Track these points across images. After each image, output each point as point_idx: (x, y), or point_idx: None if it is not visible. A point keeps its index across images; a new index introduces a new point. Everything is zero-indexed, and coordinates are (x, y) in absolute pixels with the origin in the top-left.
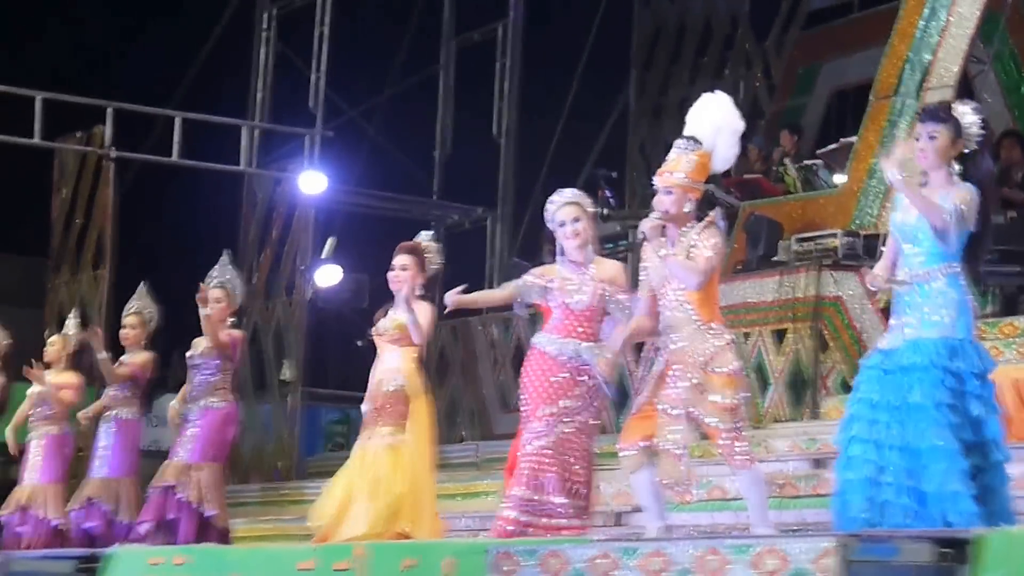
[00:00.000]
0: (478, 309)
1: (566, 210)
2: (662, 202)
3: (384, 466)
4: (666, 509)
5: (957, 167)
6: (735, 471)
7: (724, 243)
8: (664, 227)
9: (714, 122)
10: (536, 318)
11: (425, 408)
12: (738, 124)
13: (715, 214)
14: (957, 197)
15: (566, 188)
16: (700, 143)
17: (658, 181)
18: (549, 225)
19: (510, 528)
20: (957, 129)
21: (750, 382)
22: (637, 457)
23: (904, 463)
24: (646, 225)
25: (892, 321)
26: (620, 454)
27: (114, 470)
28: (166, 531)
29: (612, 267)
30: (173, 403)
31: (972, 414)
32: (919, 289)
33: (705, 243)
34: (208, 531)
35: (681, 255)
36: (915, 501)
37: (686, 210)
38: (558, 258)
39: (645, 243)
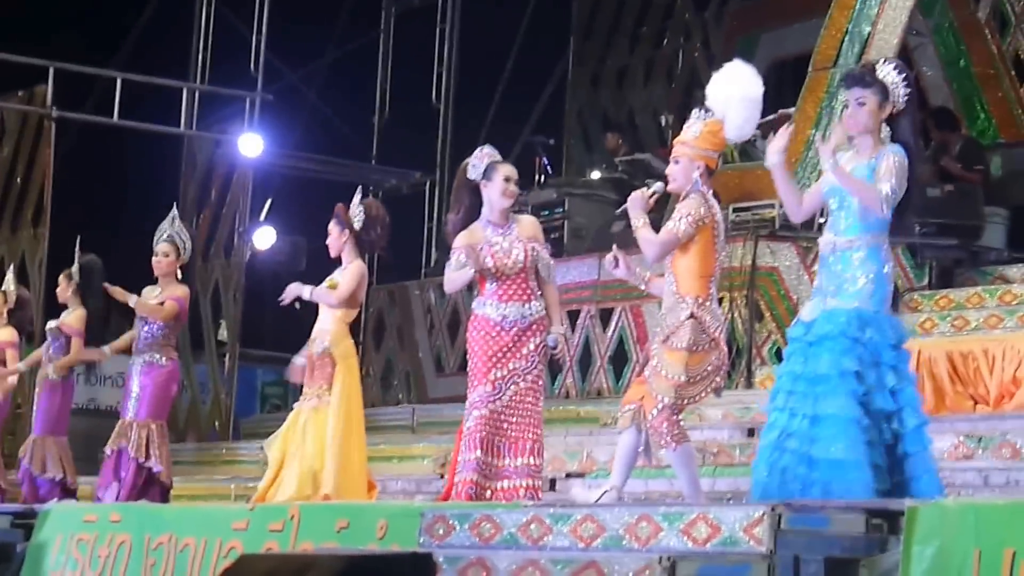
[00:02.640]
0: (416, 273)
1: (509, 168)
2: (671, 172)
3: (308, 429)
4: (629, 476)
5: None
6: (663, 448)
7: (704, 211)
8: (651, 199)
9: (728, 92)
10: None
11: (351, 370)
12: (754, 93)
13: (698, 181)
14: (886, 171)
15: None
16: (711, 112)
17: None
18: (476, 177)
19: (470, 490)
20: (884, 92)
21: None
22: (629, 416)
23: (809, 431)
24: (632, 196)
25: (816, 285)
26: (620, 410)
27: (39, 429)
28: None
29: (531, 223)
30: (105, 349)
31: (887, 384)
32: (841, 257)
33: (676, 214)
34: (152, 486)
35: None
36: (808, 468)
37: (694, 177)
38: (481, 221)
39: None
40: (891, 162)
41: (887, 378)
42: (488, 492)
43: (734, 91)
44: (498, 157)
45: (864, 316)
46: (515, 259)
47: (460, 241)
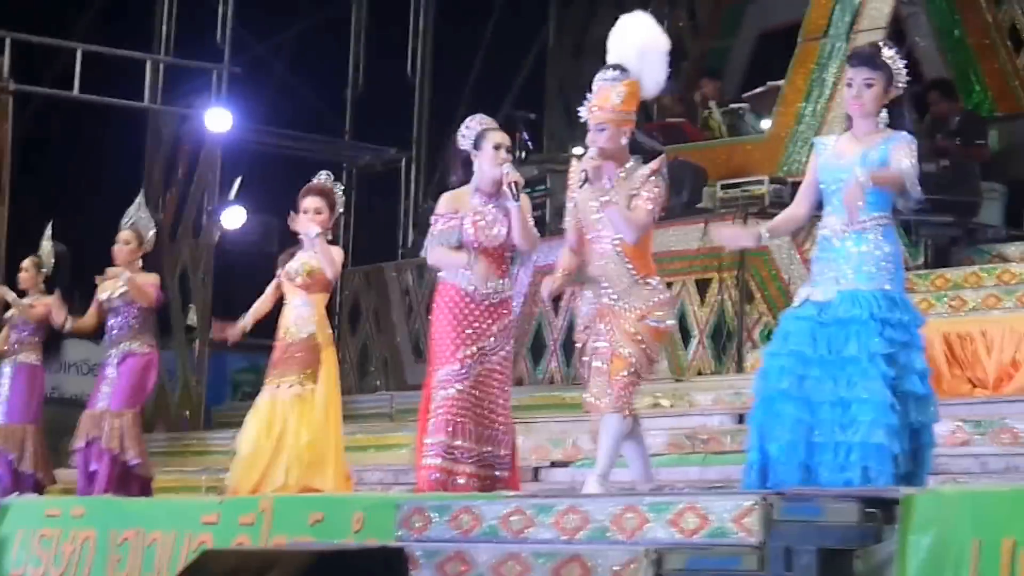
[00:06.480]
0: (392, 254)
1: (500, 136)
2: (595, 140)
3: (292, 418)
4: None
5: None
6: (602, 412)
7: (666, 193)
8: (602, 166)
9: (637, 45)
10: None
11: (334, 356)
12: (663, 43)
13: (661, 163)
14: (906, 153)
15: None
16: (627, 71)
17: (588, 117)
18: (466, 146)
19: (435, 476)
20: (890, 76)
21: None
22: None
23: (834, 417)
24: (589, 166)
25: (821, 269)
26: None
27: (15, 416)
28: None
29: (522, 202)
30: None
31: (917, 367)
32: (854, 239)
33: (648, 193)
34: (130, 480)
35: (621, 199)
36: (843, 454)
37: (622, 144)
38: (469, 188)
39: (586, 184)
40: (906, 144)
41: (916, 361)
42: (459, 478)
43: (646, 45)
44: (491, 124)
45: (892, 297)
46: (497, 232)
47: (444, 206)
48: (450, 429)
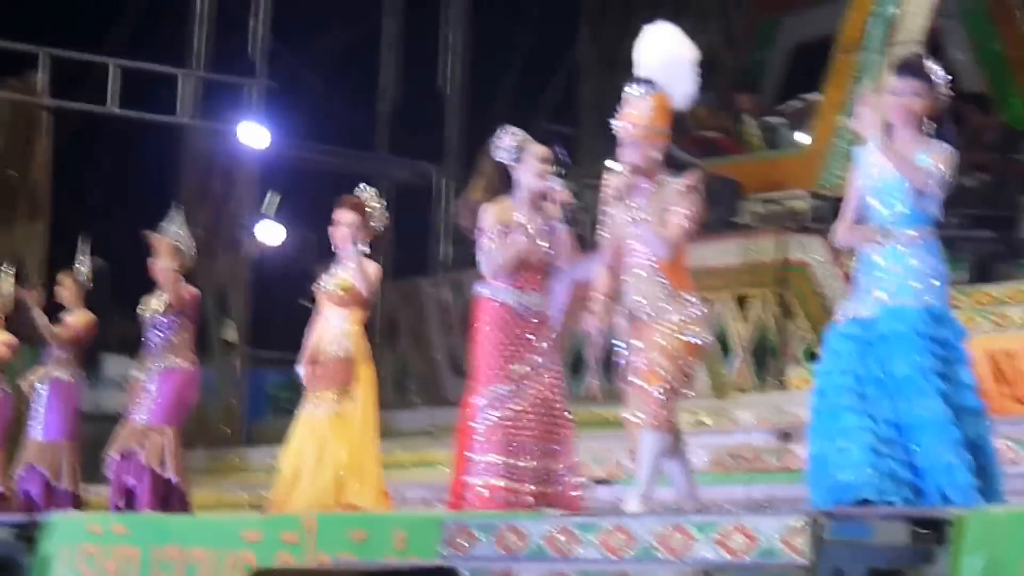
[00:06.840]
0: (428, 270)
1: (542, 148)
2: (627, 155)
3: (330, 435)
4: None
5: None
6: (639, 428)
7: (701, 209)
8: (634, 182)
9: (662, 57)
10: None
11: (372, 373)
12: (689, 53)
13: (696, 180)
14: (938, 158)
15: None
16: (654, 84)
17: (618, 133)
18: (509, 160)
19: (493, 496)
20: (934, 87)
21: (712, 351)
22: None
23: (898, 437)
24: (620, 183)
25: (862, 284)
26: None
27: (51, 434)
28: (129, 498)
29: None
30: (135, 372)
31: (966, 380)
32: (895, 253)
33: (682, 209)
34: (171, 496)
35: (654, 215)
36: (913, 475)
37: (655, 158)
38: (512, 201)
39: (619, 201)
40: (942, 153)
41: (963, 375)
42: (524, 497)
43: (671, 57)
44: (526, 136)
45: (935, 313)
46: (543, 247)
47: (492, 219)
48: (510, 448)
